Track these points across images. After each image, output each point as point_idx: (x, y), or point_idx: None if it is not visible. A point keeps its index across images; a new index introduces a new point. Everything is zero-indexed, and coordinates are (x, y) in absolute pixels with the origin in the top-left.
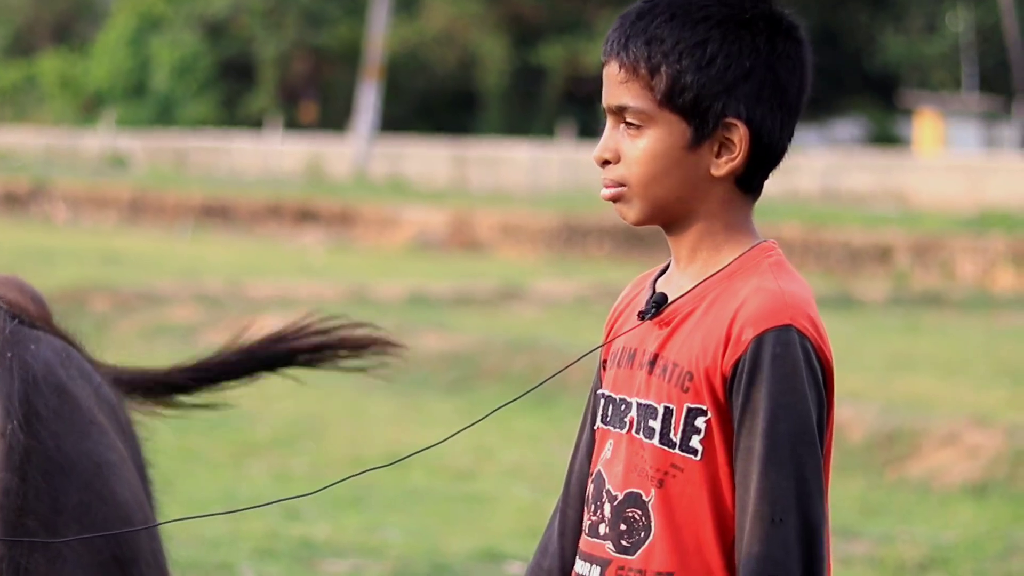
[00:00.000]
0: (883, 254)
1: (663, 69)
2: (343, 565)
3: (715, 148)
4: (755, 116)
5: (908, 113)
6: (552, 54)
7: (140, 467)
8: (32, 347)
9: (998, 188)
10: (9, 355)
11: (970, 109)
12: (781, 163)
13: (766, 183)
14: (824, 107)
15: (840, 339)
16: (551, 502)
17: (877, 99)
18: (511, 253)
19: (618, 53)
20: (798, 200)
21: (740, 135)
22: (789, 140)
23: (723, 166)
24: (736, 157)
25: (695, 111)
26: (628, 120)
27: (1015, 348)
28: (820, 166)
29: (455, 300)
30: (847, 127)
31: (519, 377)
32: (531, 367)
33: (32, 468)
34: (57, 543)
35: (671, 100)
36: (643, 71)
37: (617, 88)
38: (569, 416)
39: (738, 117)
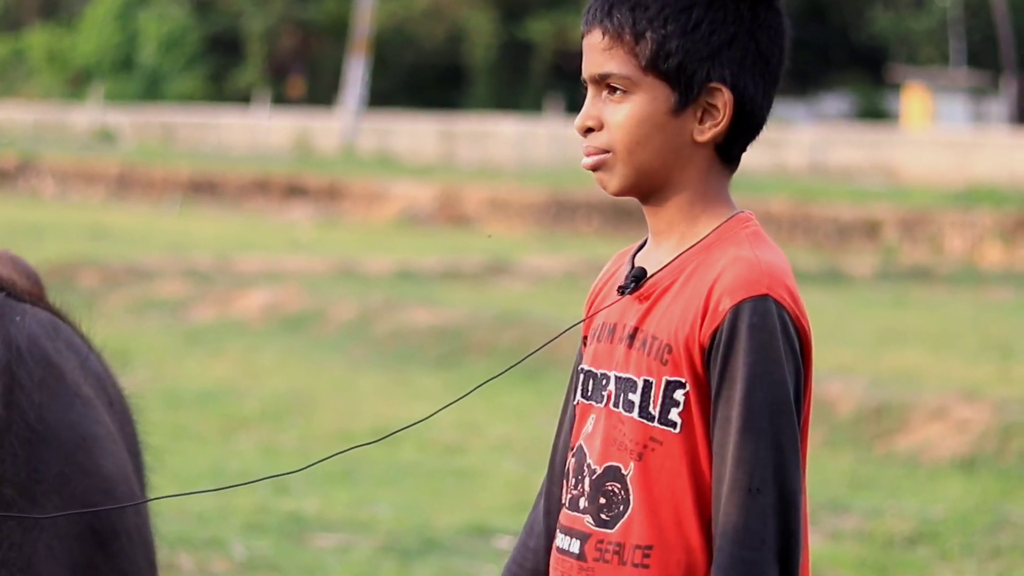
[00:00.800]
0: (871, 229)
1: (648, 34)
2: (332, 539)
3: (698, 114)
4: (739, 82)
5: (896, 88)
6: (540, 28)
7: (131, 440)
8: (18, 319)
9: (986, 163)
10: None
11: (958, 84)
12: (761, 136)
13: (754, 158)
14: (812, 82)
15: (828, 314)
16: (540, 476)
17: (865, 74)
18: (499, 228)
19: (601, 20)
20: (786, 175)
21: (724, 100)
22: (769, 111)
23: (707, 131)
24: (720, 122)
25: (680, 76)
26: (612, 86)
27: (1003, 322)
28: (808, 141)
29: (443, 275)
30: (835, 102)
31: (507, 351)
32: (519, 341)
33: (11, 437)
34: (36, 510)
35: (656, 65)
36: (628, 37)
37: (600, 55)
38: (557, 390)
39: (723, 82)
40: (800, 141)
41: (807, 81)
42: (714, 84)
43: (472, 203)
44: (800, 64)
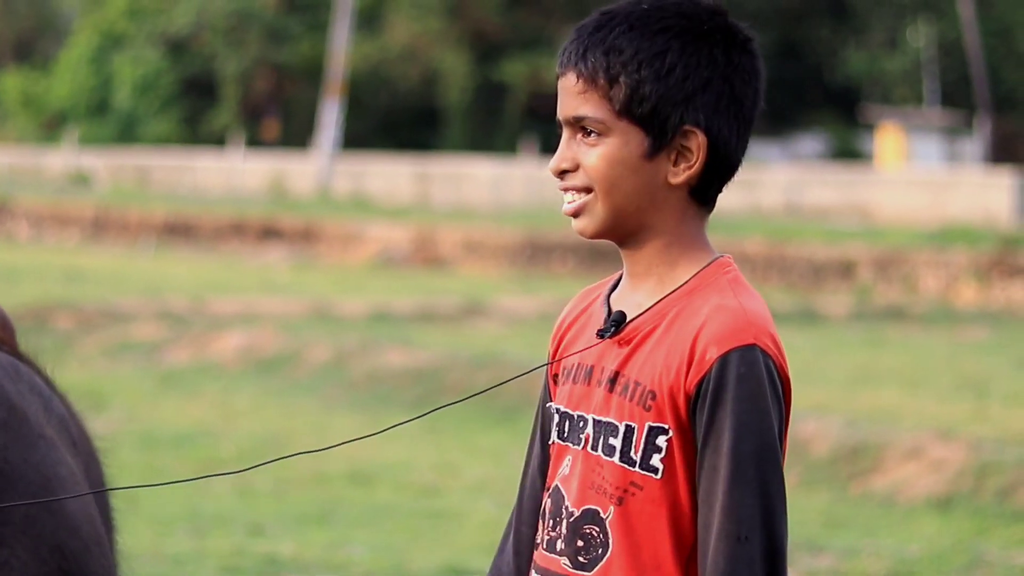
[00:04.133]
0: (846, 269)
1: (622, 79)
2: None
3: (672, 157)
4: (712, 125)
5: (870, 128)
6: (514, 70)
7: (96, 482)
8: None
9: (960, 202)
10: None
11: (932, 124)
12: (736, 177)
13: (729, 198)
14: (786, 122)
15: (803, 354)
16: None
17: (839, 114)
18: (474, 269)
19: (576, 64)
20: (761, 215)
21: (698, 143)
22: (743, 153)
23: (681, 174)
24: (694, 165)
25: (653, 120)
26: (586, 128)
27: (978, 361)
28: (783, 181)
29: (418, 316)
30: (809, 142)
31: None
32: (494, 382)
33: None
34: (5, 551)
35: (630, 110)
36: (602, 81)
37: (575, 99)
38: None
39: (696, 125)
40: (775, 181)
41: (781, 121)
42: (688, 127)
43: (447, 245)
44: (774, 104)
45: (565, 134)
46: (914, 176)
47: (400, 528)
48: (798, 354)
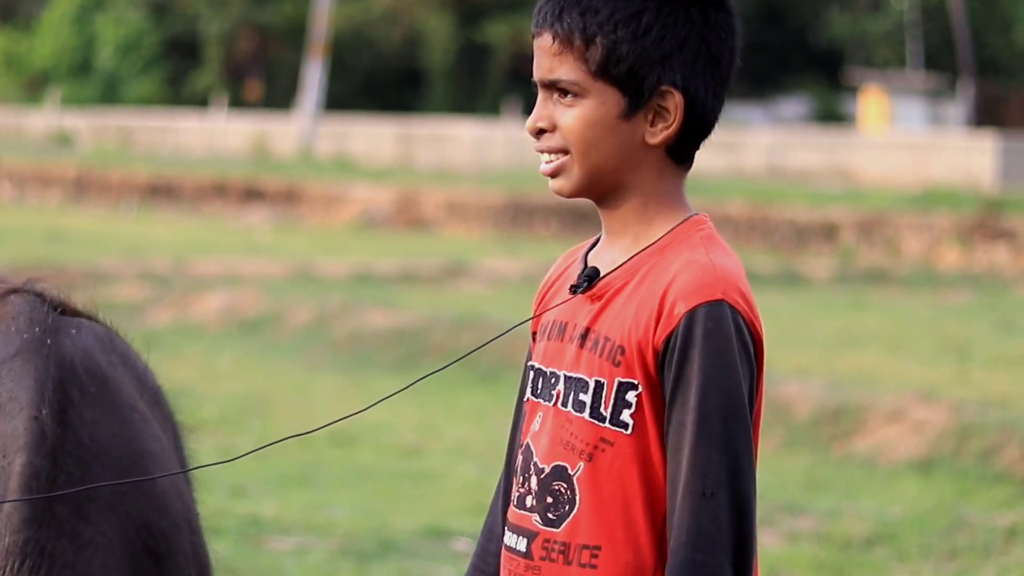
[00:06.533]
0: (828, 231)
1: (598, 40)
2: (289, 542)
3: (649, 117)
4: (690, 85)
5: (853, 91)
6: (497, 32)
7: (182, 458)
8: (73, 332)
9: (943, 165)
10: (49, 342)
11: (915, 87)
12: (718, 139)
13: (711, 161)
14: (769, 85)
15: (786, 316)
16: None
17: (822, 77)
18: (457, 231)
19: (552, 24)
20: (743, 177)
21: (675, 103)
22: (720, 111)
23: (658, 134)
24: (671, 124)
25: (630, 81)
26: (563, 90)
27: (960, 324)
28: (765, 143)
29: (401, 277)
30: (792, 105)
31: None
32: (477, 344)
33: (64, 454)
34: (90, 528)
35: (606, 71)
36: (578, 42)
37: (550, 60)
38: (514, 392)
39: (674, 85)
40: (757, 144)
41: (764, 84)
42: (665, 87)
43: (430, 206)
44: (757, 67)
45: (541, 94)
46: (897, 139)
47: (381, 489)
48: (780, 317)
